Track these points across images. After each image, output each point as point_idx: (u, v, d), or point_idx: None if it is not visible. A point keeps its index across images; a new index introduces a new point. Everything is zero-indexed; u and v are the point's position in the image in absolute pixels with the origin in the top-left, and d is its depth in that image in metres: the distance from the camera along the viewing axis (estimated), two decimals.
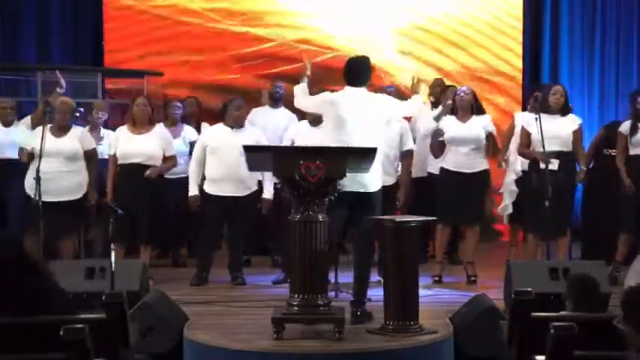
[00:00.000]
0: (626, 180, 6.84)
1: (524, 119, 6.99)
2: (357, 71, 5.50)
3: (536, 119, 6.40)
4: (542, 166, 6.53)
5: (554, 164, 6.47)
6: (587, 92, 9.95)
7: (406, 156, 6.90)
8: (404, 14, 9.80)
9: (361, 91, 5.46)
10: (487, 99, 9.66)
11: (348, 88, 5.49)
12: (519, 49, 9.92)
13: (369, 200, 5.33)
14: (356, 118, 5.32)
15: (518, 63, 9.91)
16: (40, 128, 6.65)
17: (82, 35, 9.88)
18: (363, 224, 5.30)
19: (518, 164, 7.09)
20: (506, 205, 7.36)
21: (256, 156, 5.20)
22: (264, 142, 6.86)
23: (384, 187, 6.63)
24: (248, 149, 5.18)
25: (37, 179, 6.15)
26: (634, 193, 6.83)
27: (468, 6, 9.88)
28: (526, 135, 6.76)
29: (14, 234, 4.10)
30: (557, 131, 6.55)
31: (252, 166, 5.33)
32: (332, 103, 5.42)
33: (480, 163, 6.92)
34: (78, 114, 7.01)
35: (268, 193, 6.94)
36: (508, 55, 9.89)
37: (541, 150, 6.40)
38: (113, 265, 5.32)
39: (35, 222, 6.07)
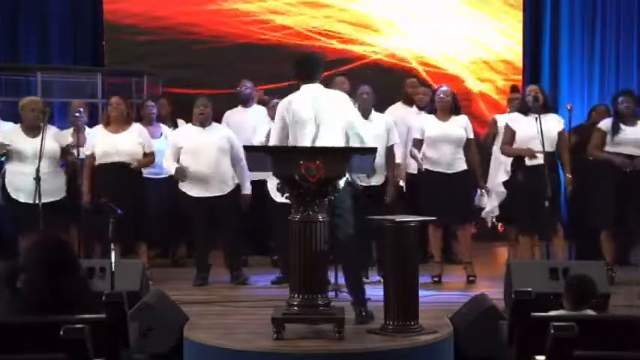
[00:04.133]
0: (618, 159, 6.78)
1: (508, 118, 7.00)
2: (310, 67, 5.30)
3: (536, 119, 6.42)
4: (528, 162, 6.53)
5: (539, 158, 6.45)
6: (587, 93, 9.95)
7: (391, 151, 6.90)
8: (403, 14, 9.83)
9: (317, 87, 5.27)
10: (487, 99, 9.70)
11: (303, 87, 5.30)
12: (519, 49, 9.92)
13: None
14: (314, 116, 5.15)
15: (519, 63, 9.92)
16: (14, 128, 6.68)
17: (82, 35, 9.88)
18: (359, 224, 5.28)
19: (509, 163, 7.05)
20: (492, 207, 7.34)
21: (256, 156, 5.19)
22: (236, 140, 6.92)
23: (374, 187, 6.66)
24: (248, 149, 5.19)
25: (37, 179, 6.15)
26: (610, 190, 6.80)
27: (467, 6, 9.88)
28: (510, 133, 6.76)
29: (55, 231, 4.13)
30: (543, 130, 6.50)
31: (252, 167, 5.32)
32: (287, 109, 5.21)
33: (461, 163, 6.92)
34: (78, 114, 7.02)
35: (247, 189, 7.01)
36: (508, 55, 9.90)
37: (527, 147, 6.43)
38: (113, 265, 5.33)
39: (34, 223, 6.07)
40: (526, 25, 9.98)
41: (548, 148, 6.48)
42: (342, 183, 5.04)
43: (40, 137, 6.44)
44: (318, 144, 5.09)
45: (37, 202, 6.15)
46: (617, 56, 9.98)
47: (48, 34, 9.74)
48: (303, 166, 4.72)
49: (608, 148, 6.87)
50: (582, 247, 7.41)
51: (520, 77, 9.87)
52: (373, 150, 5.01)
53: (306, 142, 5.11)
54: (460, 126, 6.91)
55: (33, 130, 6.61)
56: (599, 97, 9.81)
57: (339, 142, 5.15)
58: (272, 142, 5.35)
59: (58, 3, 9.78)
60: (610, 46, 9.98)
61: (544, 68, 10.01)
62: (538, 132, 6.39)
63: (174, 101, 8.31)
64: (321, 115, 5.14)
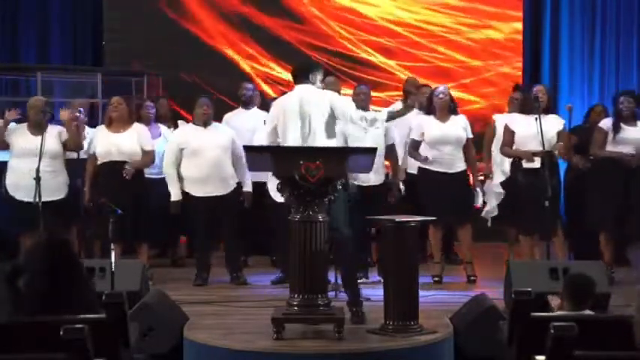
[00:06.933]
0: (624, 155, 6.73)
1: (507, 119, 7.00)
2: (303, 69, 5.49)
3: (536, 119, 6.42)
4: (525, 165, 6.53)
5: (536, 162, 6.46)
6: (587, 92, 9.95)
7: (392, 150, 6.91)
8: (403, 12, 9.83)
9: (308, 87, 5.38)
10: (487, 99, 9.70)
11: (296, 87, 5.45)
12: (519, 49, 9.92)
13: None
14: (301, 113, 5.27)
15: (519, 63, 9.92)
16: (19, 126, 6.68)
17: (82, 35, 9.89)
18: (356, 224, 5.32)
19: (506, 164, 7.05)
20: (492, 207, 7.34)
21: (256, 156, 5.20)
22: (237, 139, 6.90)
23: (374, 187, 6.68)
24: (248, 149, 5.19)
25: (37, 179, 6.15)
26: (610, 192, 6.80)
27: (467, 6, 9.88)
28: (509, 134, 6.76)
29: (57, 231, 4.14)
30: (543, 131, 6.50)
31: (252, 166, 5.33)
32: (278, 108, 5.37)
33: (461, 163, 6.92)
34: (78, 113, 7.02)
35: (248, 186, 6.99)
36: (508, 55, 9.90)
37: (526, 149, 6.45)
38: (113, 265, 5.33)
39: (34, 223, 6.07)
40: (526, 25, 9.97)
41: (547, 148, 6.46)
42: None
43: (44, 135, 6.49)
44: (309, 141, 5.18)
45: (36, 200, 6.13)
46: (617, 56, 9.98)
47: (48, 34, 9.75)
48: (303, 166, 4.73)
49: (609, 148, 6.88)
50: (581, 247, 7.41)
51: (520, 77, 9.87)
52: (373, 150, 5.02)
53: (294, 137, 5.21)
54: (460, 126, 6.91)
55: (37, 128, 6.61)
56: (599, 97, 9.81)
57: (329, 140, 5.24)
58: (262, 142, 5.39)
59: (58, 3, 9.80)
60: (610, 46, 9.98)
61: (544, 68, 10.01)
62: (538, 132, 6.39)
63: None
64: (309, 112, 5.24)
